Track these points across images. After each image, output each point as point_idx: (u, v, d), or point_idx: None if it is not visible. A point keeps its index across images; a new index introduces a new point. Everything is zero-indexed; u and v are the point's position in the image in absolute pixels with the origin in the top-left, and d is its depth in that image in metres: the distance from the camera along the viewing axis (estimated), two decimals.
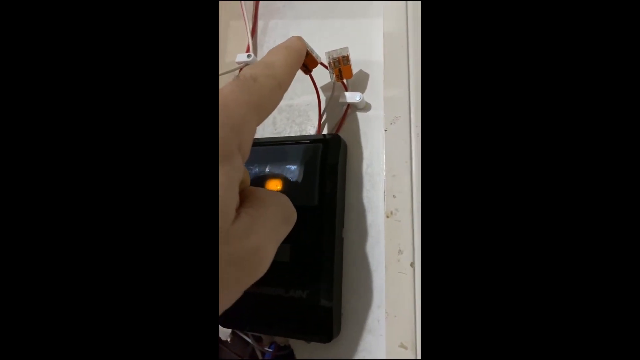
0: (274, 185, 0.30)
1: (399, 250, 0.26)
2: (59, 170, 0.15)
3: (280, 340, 0.31)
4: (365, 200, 0.30)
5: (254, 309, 0.29)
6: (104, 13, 0.16)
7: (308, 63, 0.32)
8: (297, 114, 0.35)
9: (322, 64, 0.32)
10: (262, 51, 0.38)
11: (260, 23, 0.39)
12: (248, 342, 0.35)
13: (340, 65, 0.30)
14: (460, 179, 0.16)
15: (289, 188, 0.29)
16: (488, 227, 0.16)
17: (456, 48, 0.17)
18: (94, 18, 0.16)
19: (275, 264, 0.29)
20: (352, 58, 0.30)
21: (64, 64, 0.16)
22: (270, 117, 0.36)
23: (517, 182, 0.16)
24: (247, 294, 0.29)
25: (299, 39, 0.25)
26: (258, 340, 0.33)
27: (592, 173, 0.15)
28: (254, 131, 0.19)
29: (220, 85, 0.18)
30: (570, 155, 0.15)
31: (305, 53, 0.25)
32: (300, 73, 0.33)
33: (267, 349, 0.34)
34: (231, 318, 0.30)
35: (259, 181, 0.30)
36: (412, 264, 0.25)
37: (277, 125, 0.36)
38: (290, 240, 0.29)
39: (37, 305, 0.15)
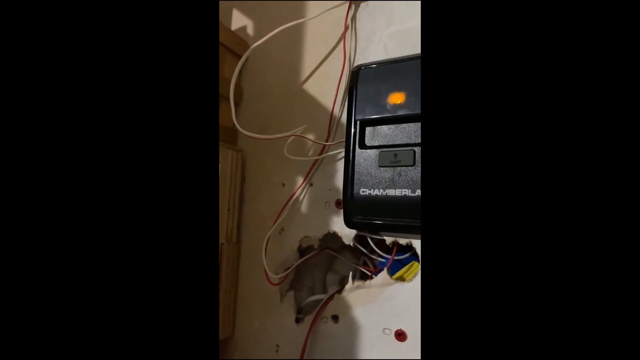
0: (397, 98, 0.32)
1: None
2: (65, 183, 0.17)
3: (403, 241, 0.33)
4: None
5: (382, 211, 0.32)
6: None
7: None
8: (410, 38, 0.37)
9: None
10: None
11: None
12: (362, 252, 0.38)
13: None
14: (462, 179, 0.17)
15: (412, 100, 0.31)
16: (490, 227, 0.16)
17: (456, 47, 0.17)
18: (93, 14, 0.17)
19: (400, 168, 0.32)
20: None
21: (66, 67, 0.17)
22: (381, 43, 0.38)
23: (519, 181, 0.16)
24: (374, 197, 0.32)
25: None
26: (378, 244, 0.36)
27: (581, 169, 0.15)
28: None
29: None
30: (569, 155, 0.15)
31: None
32: None
33: (381, 259, 0.37)
34: (359, 222, 0.34)
35: (382, 97, 0.33)
36: None
37: (389, 51, 0.38)
38: (414, 145, 0.31)
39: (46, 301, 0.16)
